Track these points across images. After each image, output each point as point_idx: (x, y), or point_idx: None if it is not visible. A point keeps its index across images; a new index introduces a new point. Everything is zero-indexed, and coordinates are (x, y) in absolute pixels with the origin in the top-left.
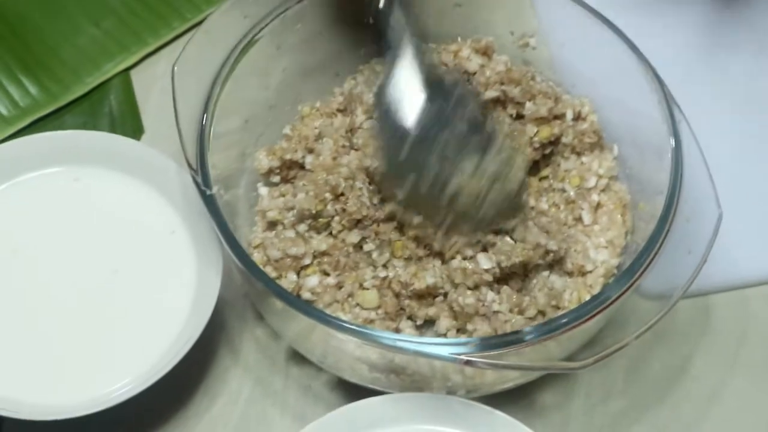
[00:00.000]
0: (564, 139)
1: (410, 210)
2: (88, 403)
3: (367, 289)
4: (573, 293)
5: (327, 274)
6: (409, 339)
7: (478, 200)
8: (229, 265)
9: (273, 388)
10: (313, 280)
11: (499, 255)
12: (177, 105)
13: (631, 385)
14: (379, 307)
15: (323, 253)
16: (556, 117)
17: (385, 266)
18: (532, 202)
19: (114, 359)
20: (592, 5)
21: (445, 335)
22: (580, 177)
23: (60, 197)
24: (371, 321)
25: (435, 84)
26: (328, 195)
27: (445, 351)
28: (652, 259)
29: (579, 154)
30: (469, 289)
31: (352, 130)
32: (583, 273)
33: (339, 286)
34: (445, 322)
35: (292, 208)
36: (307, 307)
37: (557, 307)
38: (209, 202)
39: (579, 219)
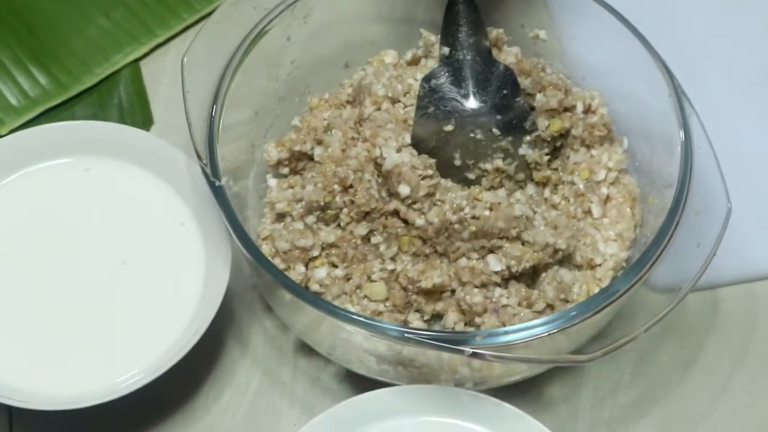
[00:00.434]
0: (574, 132)
1: (414, 210)
2: (96, 394)
3: (375, 281)
4: (582, 286)
5: (335, 266)
6: (416, 331)
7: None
8: (238, 256)
9: (281, 380)
10: (321, 272)
11: (510, 259)
12: (186, 96)
13: (640, 378)
14: (387, 299)
15: (331, 245)
16: (566, 109)
17: (393, 259)
18: (546, 193)
19: (123, 350)
20: None
21: (453, 328)
22: (589, 170)
23: (70, 188)
24: (379, 313)
25: (483, 83)
26: (336, 187)
27: (452, 344)
28: (661, 252)
29: (589, 147)
30: (476, 287)
31: (360, 122)
32: (592, 266)
33: (347, 278)
34: (452, 317)
35: (300, 200)
36: (315, 299)
37: (566, 301)
38: (218, 193)
39: (588, 212)
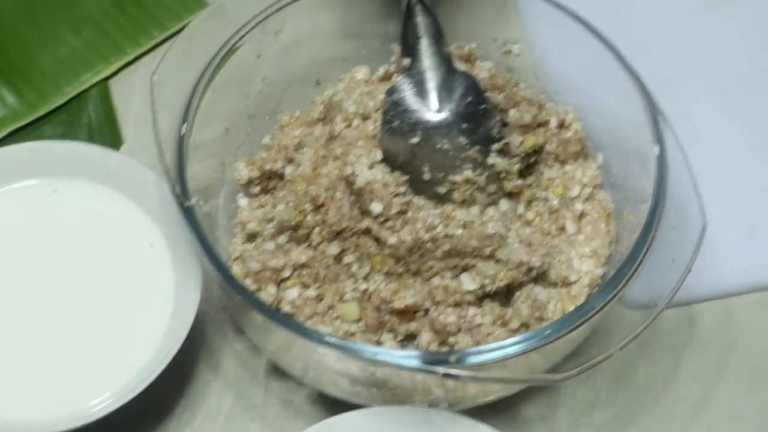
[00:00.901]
0: (548, 147)
1: (387, 228)
2: (66, 419)
3: (348, 301)
4: (557, 304)
5: (307, 287)
6: (390, 352)
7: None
8: (209, 277)
9: (253, 402)
10: (292, 293)
11: (483, 278)
12: (156, 115)
13: (616, 397)
14: (359, 319)
15: (303, 265)
16: (539, 125)
17: (365, 279)
18: (520, 209)
19: (92, 373)
20: (576, 11)
21: (427, 348)
22: (563, 186)
23: (38, 209)
24: (352, 334)
25: (446, 92)
26: (308, 206)
27: (426, 364)
28: (637, 269)
29: (563, 163)
30: (450, 306)
31: (332, 139)
32: (567, 284)
33: (319, 298)
34: (426, 336)
35: (271, 220)
36: (287, 321)
37: (541, 319)
38: (188, 213)
39: (563, 229)
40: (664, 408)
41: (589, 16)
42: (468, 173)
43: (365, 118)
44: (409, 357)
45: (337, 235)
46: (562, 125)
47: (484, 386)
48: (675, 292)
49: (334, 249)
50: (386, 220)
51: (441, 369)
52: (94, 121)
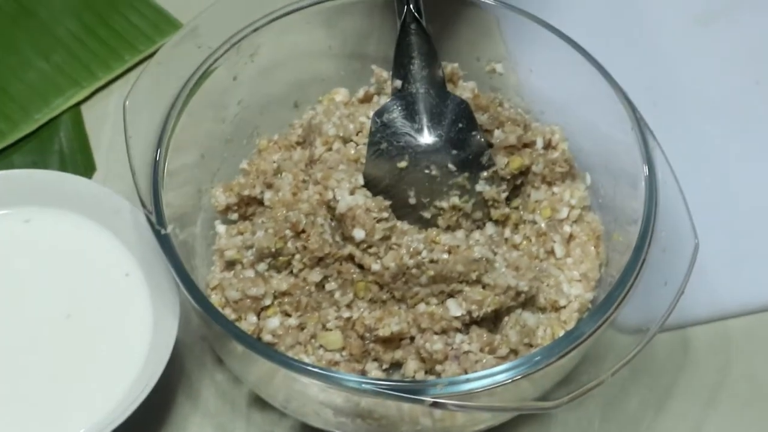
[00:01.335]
0: (534, 169)
1: (370, 254)
2: None
3: (331, 330)
4: (547, 330)
5: (288, 315)
6: (375, 381)
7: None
8: (187, 307)
9: None
10: (274, 322)
11: (470, 304)
12: (129, 141)
13: (609, 424)
14: (343, 348)
15: (284, 293)
16: (525, 145)
17: (348, 306)
18: (506, 233)
19: (67, 408)
20: (561, 29)
21: (413, 377)
22: (551, 208)
23: (9, 240)
24: (336, 363)
25: (437, 116)
26: (288, 232)
27: (412, 393)
28: (628, 292)
29: (550, 184)
30: (436, 334)
31: (311, 163)
32: (556, 308)
33: (301, 327)
34: (412, 365)
35: (251, 247)
36: (268, 351)
37: (530, 345)
38: (164, 242)
39: (551, 252)
40: None
41: (574, 34)
42: (455, 200)
43: (346, 141)
44: (394, 386)
45: (319, 261)
46: (548, 145)
47: (472, 415)
48: (668, 315)
49: (315, 276)
50: (369, 247)
51: (428, 398)
52: (65, 148)
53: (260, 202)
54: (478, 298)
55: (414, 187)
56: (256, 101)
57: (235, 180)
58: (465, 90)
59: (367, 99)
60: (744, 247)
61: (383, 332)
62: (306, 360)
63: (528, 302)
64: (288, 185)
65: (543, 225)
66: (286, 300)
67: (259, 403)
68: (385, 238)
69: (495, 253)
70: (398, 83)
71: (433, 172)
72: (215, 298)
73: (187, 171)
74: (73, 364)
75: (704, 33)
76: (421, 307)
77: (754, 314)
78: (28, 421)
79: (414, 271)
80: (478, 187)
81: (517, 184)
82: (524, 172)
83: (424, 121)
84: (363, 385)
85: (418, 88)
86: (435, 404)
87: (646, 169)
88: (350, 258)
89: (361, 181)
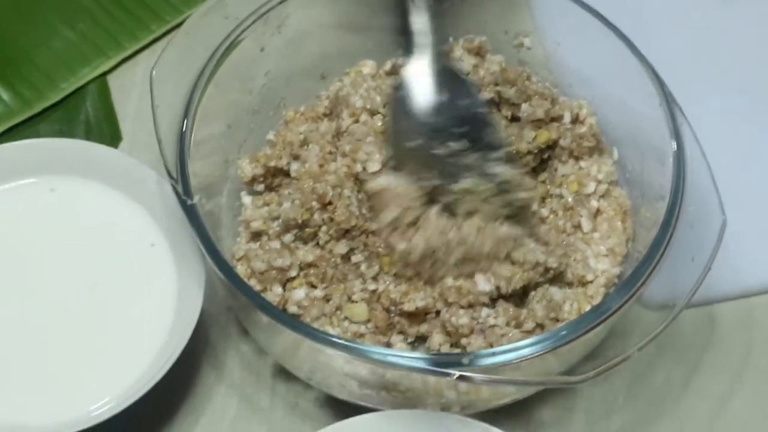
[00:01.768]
0: (561, 143)
1: (396, 235)
2: (67, 423)
3: (356, 302)
4: (573, 304)
5: (314, 287)
6: (400, 354)
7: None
8: (212, 278)
9: (259, 406)
10: (299, 293)
11: (499, 279)
12: (155, 111)
13: (634, 400)
14: (368, 320)
15: (310, 265)
16: (552, 119)
17: (374, 279)
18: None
19: (93, 377)
20: (589, 2)
21: (438, 350)
22: (578, 182)
23: (35, 209)
24: (361, 335)
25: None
26: (314, 204)
27: (438, 366)
28: (654, 268)
29: (577, 159)
30: (462, 308)
31: (338, 135)
32: (583, 283)
33: (327, 299)
34: (437, 338)
35: (277, 218)
36: (293, 322)
37: (556, 320)
38: (190, 212)
39: (578, 226)
40: (683, 411)
41: (602, 8)
42: (466, 183)
43: (373, 113)
44: (420, 359)
45: (345, 233)
46: (576, 120)
47: (497, 389)
48: (694, 291)
49: (341, 248)
50: (396, 228)
51: (453, 371)
52: (92, 118)
53: (287, 174)
54: (506, 274)
55: (430, 169)
56: (283, 72)
57: (262, 151)
58: (493, 63)
59: (394, 71)
60: None
61: (408, 307)
62: (331, 332)
63: (555, 277)
64: (315, 157)
65: (570, 199)
66: (311, 271)
67: (283, 374)
68: (413, 223)
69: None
70: (405, 60)
71: (441, 152)
72: (241, 269)
73: (213, 141)
74: (97, 334)
75: (733, 9)
76: (448, 281)
77: None
78: (53, 391)
79: (442, 252)
80: (495, 169)
81: (545, 158)
82: (551, 146)
83: (432, 99)
84: (388, 358)
85: (424, 66)
86: (461, 377)
87: (674, 145)
88: (376, 234)
89: (390, 155)
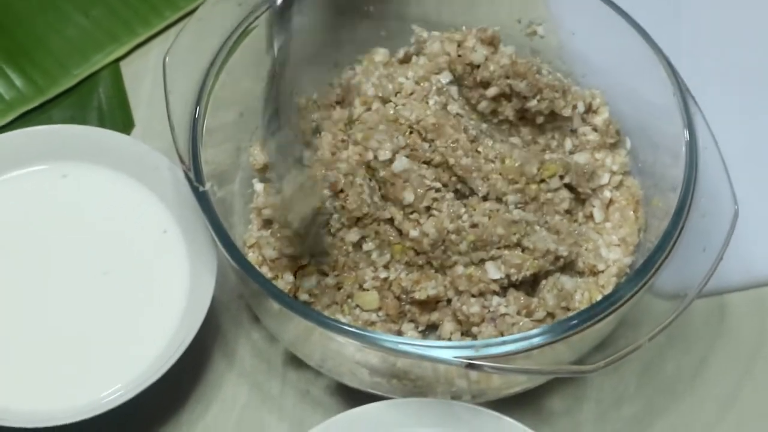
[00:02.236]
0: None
1: (410, 220)
2: (77, 410)
3: (367, 290)
4: (584, 294)
5: (325, 275)
6: (411, 342)
7: None
8: (224, 265)
9: (270, 394)
10: (310, 281)
11: (509, 267)
12: (168, 97)
13: (644, 390)
14: (379, 308)
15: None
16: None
17: (386, 267)
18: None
19: (104, 364)
20: None
21: (449, 339)
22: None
23: (47, 195)
24: (372, 323)
25: None
26: (326, 191)
27: (449, 354)
28: (666, 257)
29: (592, 150)
30: (473, 296)
31: (350, 123)
32: (594, 273)
33: (338, 287)
34: (448, 326)
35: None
36: (304, 309)
37: (567, 309)
38: (202, 199)
39: (590, 216)
40: (693, 401)
41: None
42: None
43: (385, 101)
44: (431, 347)
45: (357, 221)
46: (589, 109)
47: (508, 378)
48: (706, 281)
49: (353, 236)
50: (412, 212)
51: (464, 360)
52: (104, 104)
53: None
54: (517, 261)
55: None
56: (296, 60)
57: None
58: (503, 56)
59: (406, 59)
60: None
61: (420, 295)
62: (342, 320)
63: (566, 266)
64: (327, 144)
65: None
66: (323, 259)
67: (294, 362)
68: (429, 208)
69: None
70: None
71: None
72: (252, 257)
73: (226, 129)
74: (109, 320)
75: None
76: (459, 269)
77: None
78: (65, 377)
79: (453, 237)
80: None
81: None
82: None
83: None
84: (399, 346)
85: None
86: (471, 366)
87: (687, 135)
88: (389, 221)
89: (402, 143)
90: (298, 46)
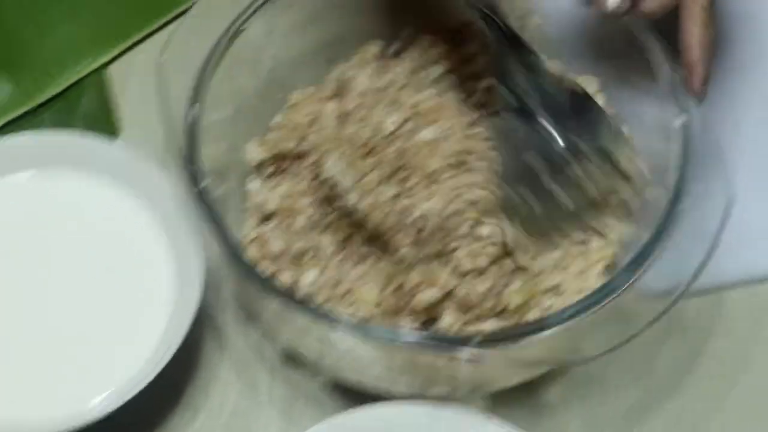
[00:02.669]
0: None
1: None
2: (64, 419)
3: (366, 284)
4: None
5: (324, 270)
6: (411, 334)
7: None
8: (215, 265)
9: (263, 394)
10: (309, 276)
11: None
12: (163, 96)
13: (640, 382)
14: (379, 303)
15: (320, 248)
16: None
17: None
18: None
19: (91, 372)
20: None
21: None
22: None
23: (32, 202)
24: (370, 318)
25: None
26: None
27: (449, 345)
28: (661, 246)
29: None
30: (480, 275)
31: (344, 116)
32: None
33: (336, 282)
34: (448, 318)
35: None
36: (304, 305)
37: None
38: (200, 196)
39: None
40: (689, 393)
41: None
42: None
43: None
44: (430, 338)
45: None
46: None
47: (507, 369)
48: (701, 270)
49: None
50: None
51: (465, 351)
52: (91, 110)
53: (295, 157)
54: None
55: None
56: (291, 56)
57: (269, 135)
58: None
59: (398, 54)
60: None
61: (419, 302)
62: (341, 314)
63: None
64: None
65: None
66: (321, 255)
67: (290, 360)
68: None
69: None
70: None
71: None
72: (250, 253)
73: (221, 126)
74: (96, 327)
75: None
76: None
77: None
78: (50, 384)
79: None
80: None
81: None
82: None
83: None
84: (399, 338)
85: None
86: (471, 356)
87: (681, 120)
88: None
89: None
90: (293, 41)
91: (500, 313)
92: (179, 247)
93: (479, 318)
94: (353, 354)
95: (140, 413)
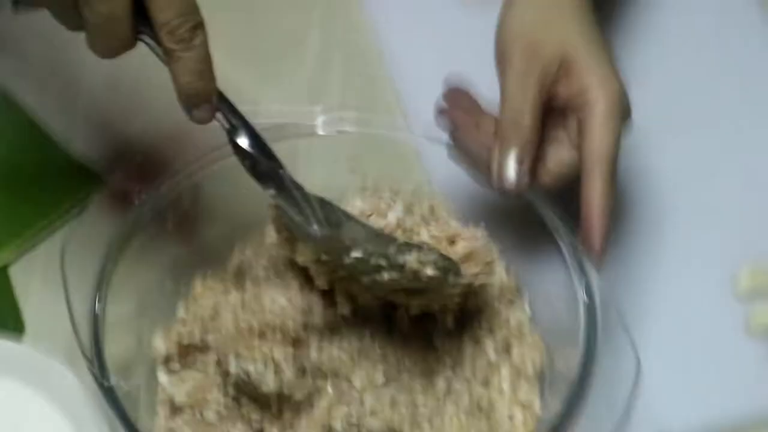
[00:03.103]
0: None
1: None
2: None
3: None
4: None
5: None
6: None
7: None
8: None
9: None
10: None
11: None
12: (68, 291)
13: None
14: None
15: None
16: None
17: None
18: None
19: None
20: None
21: None
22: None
23: None
24: None
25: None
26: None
27: None
28: (572, 420)
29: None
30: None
31: (245, 306)
32: None
33: None
34: None
35: (201, 392)
36: None
37: None
38: (108, 394)
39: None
40: None
41: None
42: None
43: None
44: None
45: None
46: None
47: None
48: None
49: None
50: None
51: None
52: None
53: (201, 349)
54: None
55: None
56: (193, 244)
57: (174, 328)
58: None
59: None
60: (685, 368)
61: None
62: None
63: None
64: (230, 324)
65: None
66: None
67: None
68: None
69: None
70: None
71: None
72: None
73: (125, 321)
74: None
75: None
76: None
77: None
78: None
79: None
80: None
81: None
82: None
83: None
84: None
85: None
86: None
87: (583, 295)
88: None
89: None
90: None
91: None
92: None
93: None
94: None
95: None
